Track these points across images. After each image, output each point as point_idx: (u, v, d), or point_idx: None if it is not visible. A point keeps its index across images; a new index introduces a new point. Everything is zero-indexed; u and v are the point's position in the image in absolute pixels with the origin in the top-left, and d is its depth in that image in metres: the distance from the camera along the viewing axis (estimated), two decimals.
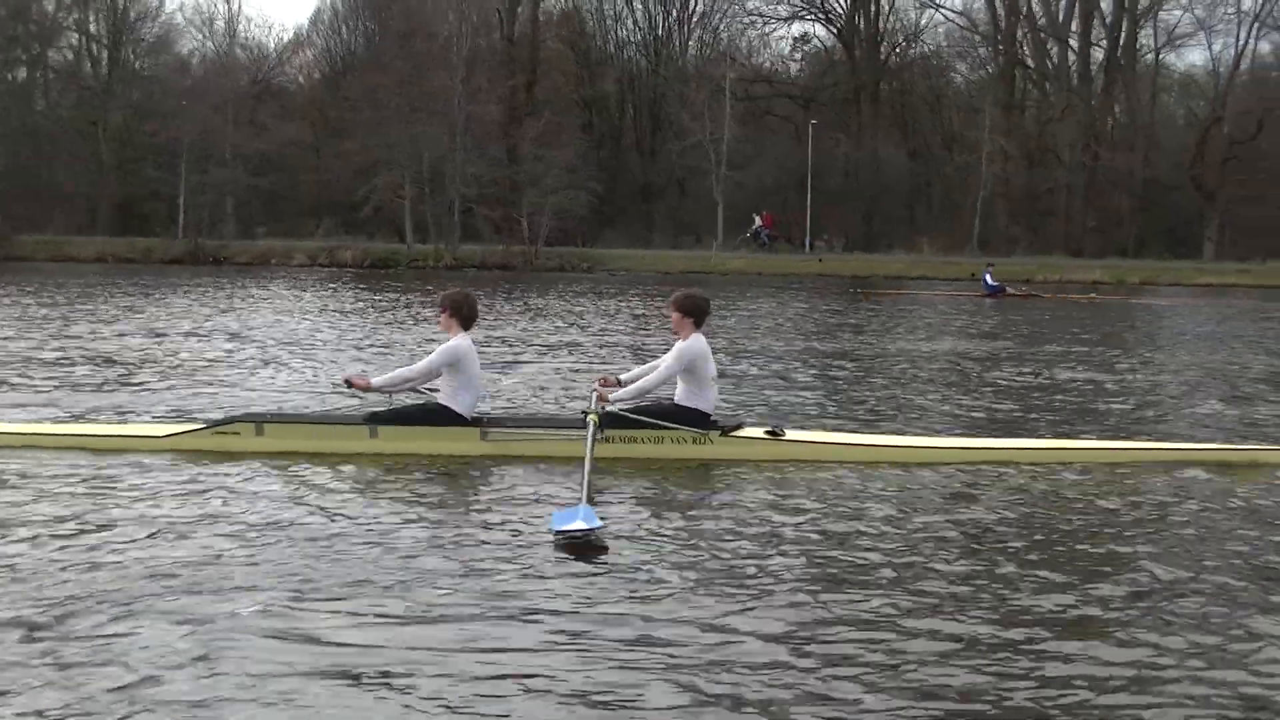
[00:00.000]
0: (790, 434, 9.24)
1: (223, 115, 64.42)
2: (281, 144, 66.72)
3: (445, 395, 9.07)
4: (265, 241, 62.60)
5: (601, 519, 6.84)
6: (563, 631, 5.28)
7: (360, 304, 29.34)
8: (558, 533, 6.65)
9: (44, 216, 62.74)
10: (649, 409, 9.18)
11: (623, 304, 31.41)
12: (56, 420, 10.39)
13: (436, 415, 9.08)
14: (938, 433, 10.65)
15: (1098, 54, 73.82)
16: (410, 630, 5.25)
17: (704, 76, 68.21)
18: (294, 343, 18.62)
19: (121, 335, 19.24)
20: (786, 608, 5.64)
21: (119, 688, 4.58)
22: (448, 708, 4.50)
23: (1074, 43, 73.77)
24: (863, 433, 10.29)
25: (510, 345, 18.97)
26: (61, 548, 6.37)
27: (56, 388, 12.82)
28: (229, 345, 17.95)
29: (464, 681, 4.72)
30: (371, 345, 18.69)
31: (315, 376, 14.14)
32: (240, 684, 4.63)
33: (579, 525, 6.65)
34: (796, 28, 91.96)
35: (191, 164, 63.24)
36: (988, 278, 40.50)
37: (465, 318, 9.21)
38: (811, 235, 67.64)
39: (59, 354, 16.13)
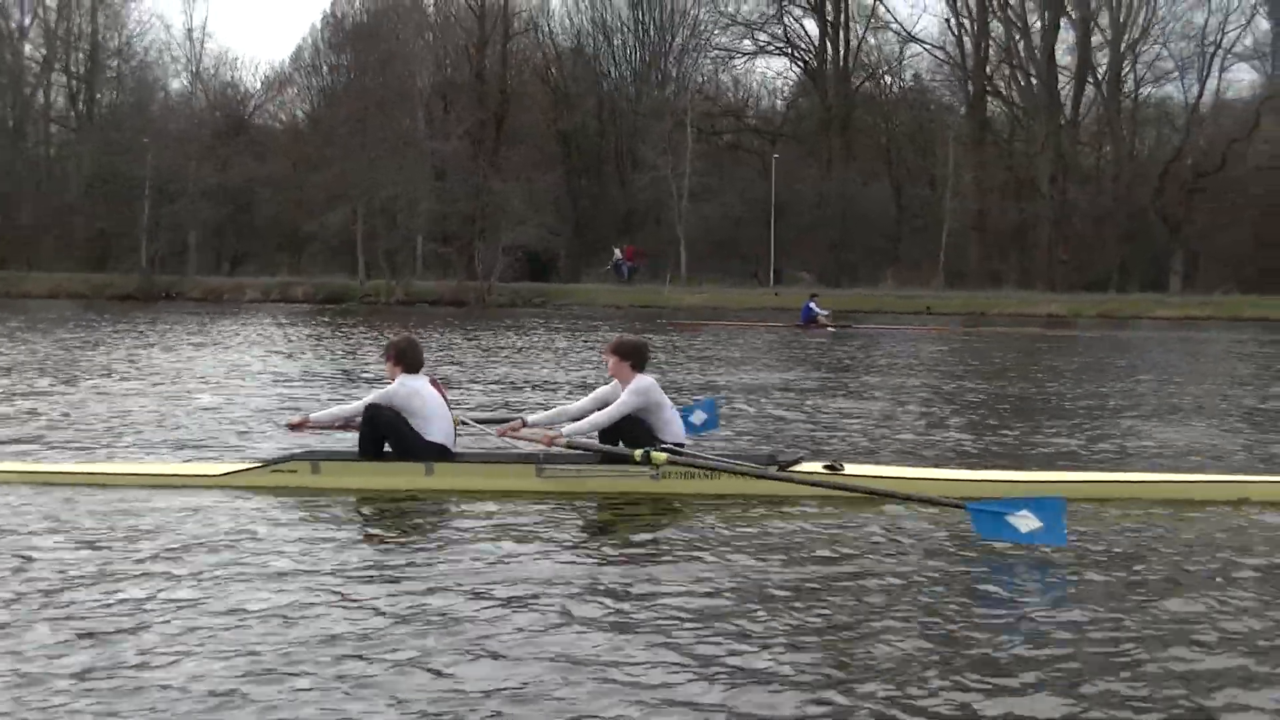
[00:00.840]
0: (850, 468, 8.97)
1: (185, 152, 64.66)
2: (251, 180, 66.98)
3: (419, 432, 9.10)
4: (217, 278, 62.68)
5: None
6: (609, 678, 5.06)
7: (319, 340, 29.30)
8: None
9: (13, 253, 63.18)
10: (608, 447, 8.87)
11: (549, 339, 31.16)
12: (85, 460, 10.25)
13: (491, 455, 9.24)
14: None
15: (1082, 89, 73.68)
16: (497, 672, 5.10)
17: (666, 110, 68.03)
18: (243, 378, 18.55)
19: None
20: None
21: None
22: None
23: (1040, 73, 73.39)
24: (922, 466, 10.05)
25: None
26: (123, 586, 6.30)
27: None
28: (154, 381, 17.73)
29: None
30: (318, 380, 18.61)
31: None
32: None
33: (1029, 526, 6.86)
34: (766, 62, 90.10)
35: (154, 200, 63.40)
36: (813, 306, 39.46)
37: (409, 363, 9.18)
38: (776, 268, 67.35)
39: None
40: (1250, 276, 67.16)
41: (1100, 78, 73.00)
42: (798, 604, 6.07)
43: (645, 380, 8.98)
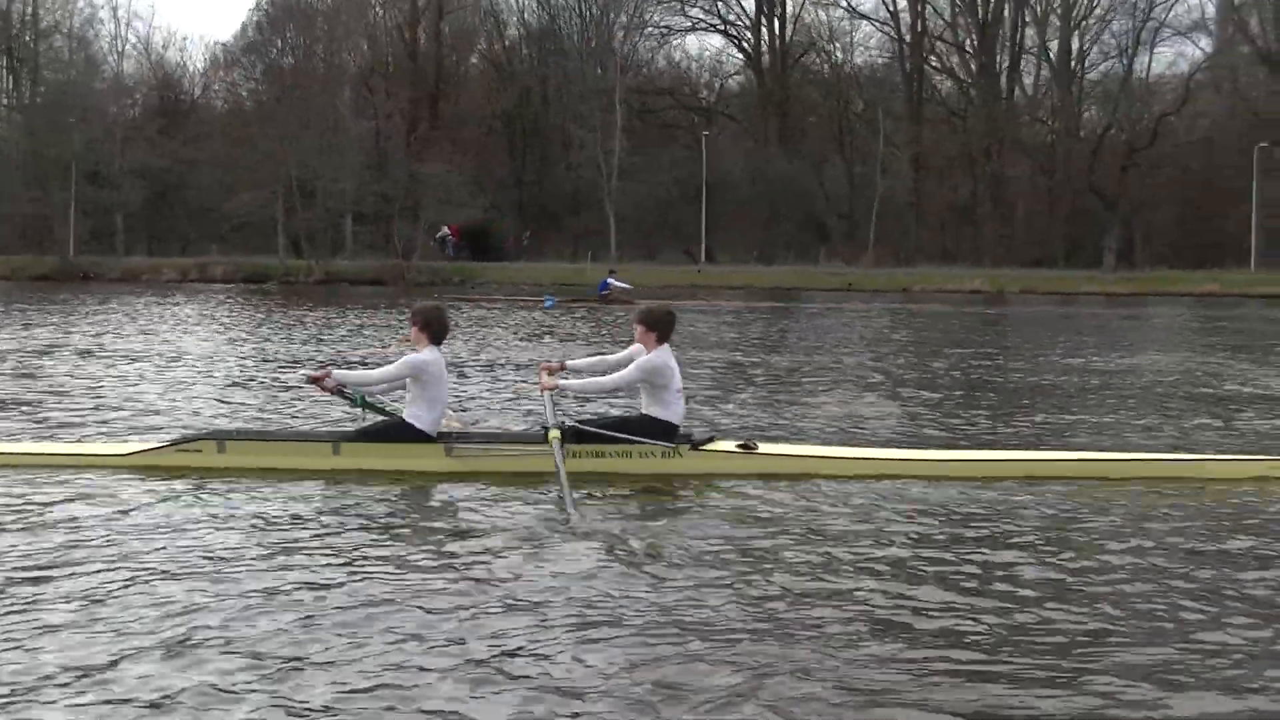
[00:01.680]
0: (764, 447, 8.96)
1: (112, 134, 64.23)
2: (182, 161, 66.54)
3: (410, 411, 8.85)
4: (136, 258, 62.30)
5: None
6: (518, 651, 5.13)
7: (245, 319, 29.06)
8: None
9: None
10: (615, 421, 8.96)
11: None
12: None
13: (400, 432, 8.84)
14: (912, 445, 10.26)
15: (1016, 63, 73.42)
16: (371, 650, 5.11)
17: (597, 89, 67.64)
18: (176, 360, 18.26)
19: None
20: (751, 631, 5.39)
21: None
22: None
23: (978, 48, 73.15)
24: (840, 445, 10.05)
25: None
26: (21, 567, 6.26)
27: None
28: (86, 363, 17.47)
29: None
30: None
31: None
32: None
33: None
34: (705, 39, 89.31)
35: (81, 182, 62.93)
36: (611, 280, 40.42)
37: (434, 333, 8.95)
38: (708, 246, 67.12)
39: None
40: (1182, 251, 67.24)
41: (1043, 53, 72.82)
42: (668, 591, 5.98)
43: (658, 360, 8.84)
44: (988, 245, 69.37)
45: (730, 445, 8.91)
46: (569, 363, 9.40)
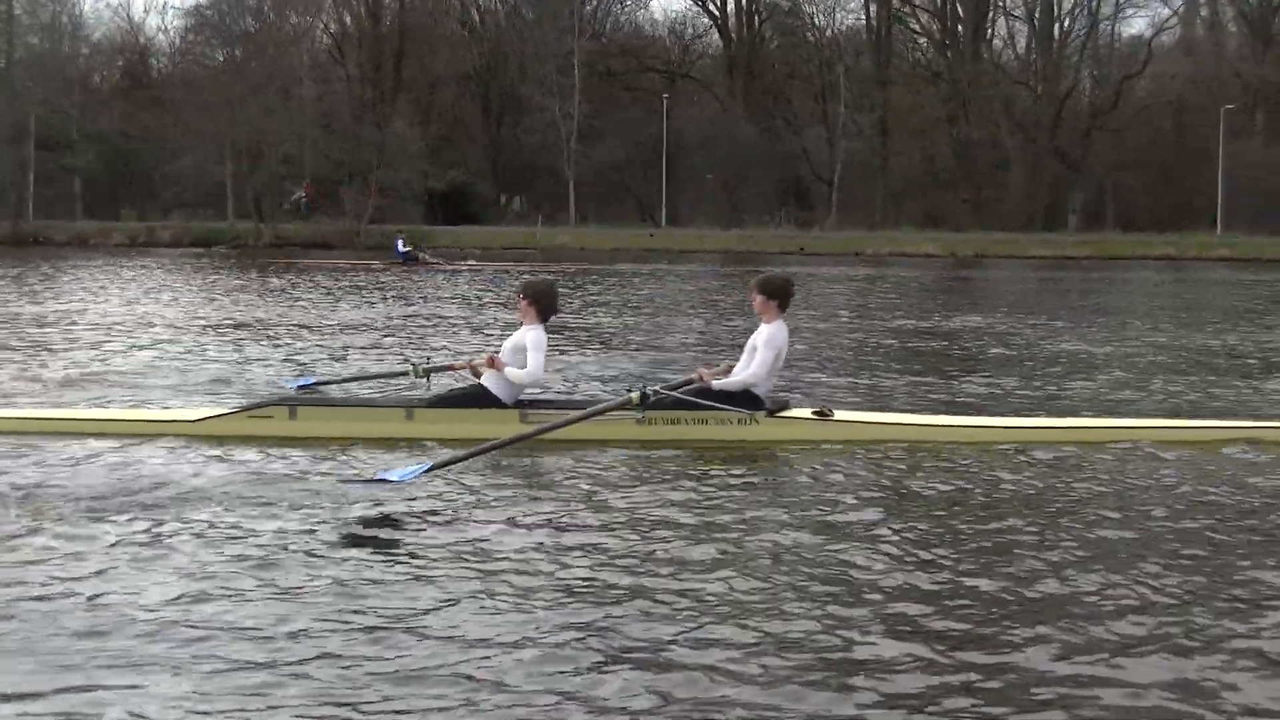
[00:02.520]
0: (840, 414, 8.81)
1: (70, 100, 64.06)
2: (145, 128, 66.27)
3: (491, 379, 8.70)
4: (84, 222, 62.17)
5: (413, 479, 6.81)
6: (586, 622, 4.93)
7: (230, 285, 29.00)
8: (371, 481, 6.84)
9: None
10: (699, 390, 8.62)
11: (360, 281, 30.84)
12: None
13: (477, 399, 8.73)
14: (992, 413, 10.07)
15: (981, 27, 72.68)
16: (448, 615, 4.99)
17: (556, 51, 67.08)
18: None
19: None
20: (825, 599, 5.23)
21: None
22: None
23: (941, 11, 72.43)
24: (915, 412, 9.87)
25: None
26: (100, 535, 6.13)
27: None
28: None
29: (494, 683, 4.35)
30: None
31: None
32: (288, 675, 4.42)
33: (389, 476, 6.72)
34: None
35: (39, 145, 62.75)
36: (399, 244, 41.11)
37: (544, 309, 8.83)
38: (669, 209, 66.79)
39: None
40: (1153, 215, 66.69)
41: (1028, 19, 72.10)
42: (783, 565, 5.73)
43: (781, 333, 8.65)
44: (956, 209, 68.97)
45: (806, 412, 8.76)
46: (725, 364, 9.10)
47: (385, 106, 71.38)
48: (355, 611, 4.98)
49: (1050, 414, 9.89)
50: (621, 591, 5.27)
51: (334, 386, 10.20)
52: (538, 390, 9.12)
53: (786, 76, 75.93)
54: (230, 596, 5.15)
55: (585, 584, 5.39)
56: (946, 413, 9.92)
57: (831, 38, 74.82)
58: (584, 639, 4.70)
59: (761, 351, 8.52)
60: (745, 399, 8.49)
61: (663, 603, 5.12)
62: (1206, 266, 49.96)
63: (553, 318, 8.95)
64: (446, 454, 7.45)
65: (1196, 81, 74.57)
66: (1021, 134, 68.21)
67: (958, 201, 69.13)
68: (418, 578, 5.46)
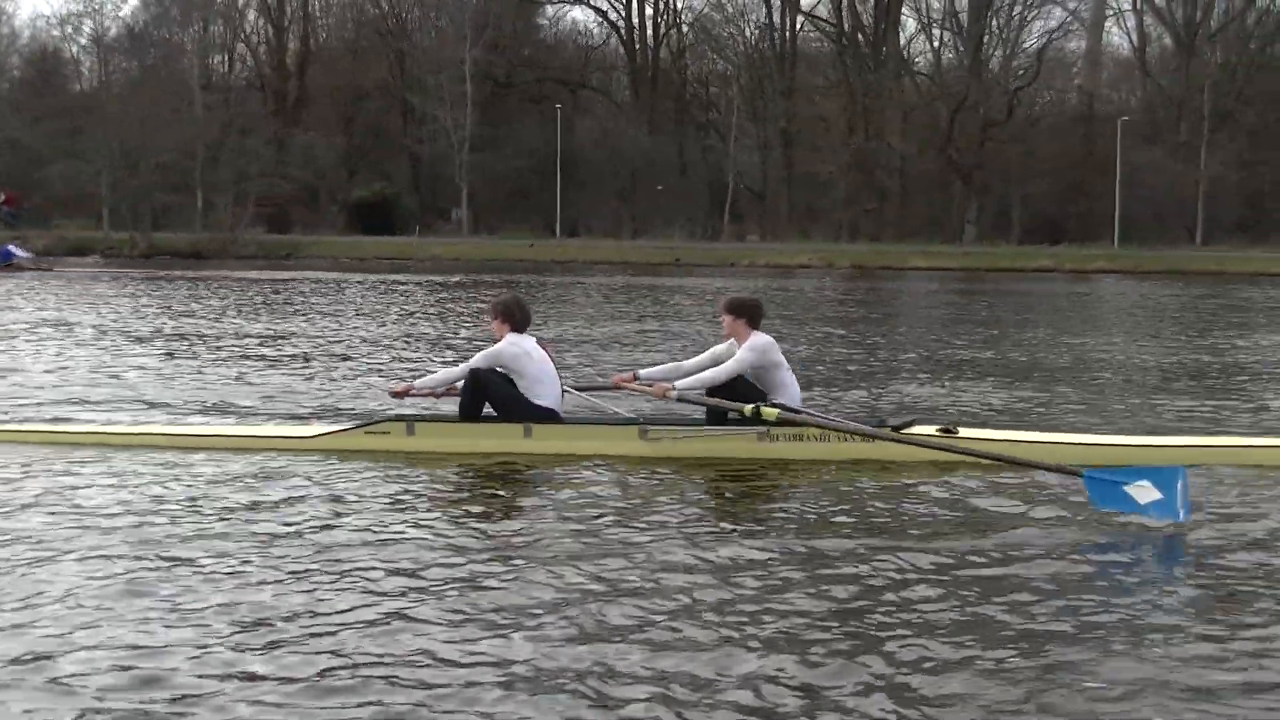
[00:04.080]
0: (966, 431, 8.64)
1: None
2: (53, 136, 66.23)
3: (527, 397, 8.76)
4: None
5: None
6: (701, 643, 4.90)
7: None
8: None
9: None
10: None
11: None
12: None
13: (596, 416, 8.93)
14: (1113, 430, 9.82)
15: (880, 34, 72.56)
16: (527, 636, 4.97)
17: (449, 60, 66.95)
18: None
19: None
20: (971, 620, 5.17)
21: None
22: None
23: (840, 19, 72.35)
24: (1045, 429, 9.75)
25: None
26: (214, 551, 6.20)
27: None
28: None
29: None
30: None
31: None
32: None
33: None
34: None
35: None
36: (12, 249, 41.36)
37: (517, 321, 8.87)
38: (563, 220, 66.65)
39: None
40: (1061, 226, 66.66)
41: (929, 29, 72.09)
42: (918, 582, 5.67)
43: (763, 338, 8.65)
44: (860, 220, 68.92)
45: (931, 430, 8.53)
46: (642, 372, 9.02)
47: (286, 116, 71.44)
48: (493, 634, 4.97)
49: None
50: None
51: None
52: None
53: (689, 86, 75.75)
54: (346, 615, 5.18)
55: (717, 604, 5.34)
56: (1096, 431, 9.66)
57: (735, 48, 74.83)
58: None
59: (742, 353, 8.54)
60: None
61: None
62: (1075, 278, 49.86)
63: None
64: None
65: (1110, 93, 75.23)
66: (917, 145, 68.07)
67: (862, 212, 69.03)
68: (549, 590, 5.49)
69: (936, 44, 72.40)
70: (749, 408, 8.10)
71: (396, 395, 9.10)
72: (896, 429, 8.34)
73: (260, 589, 5.52)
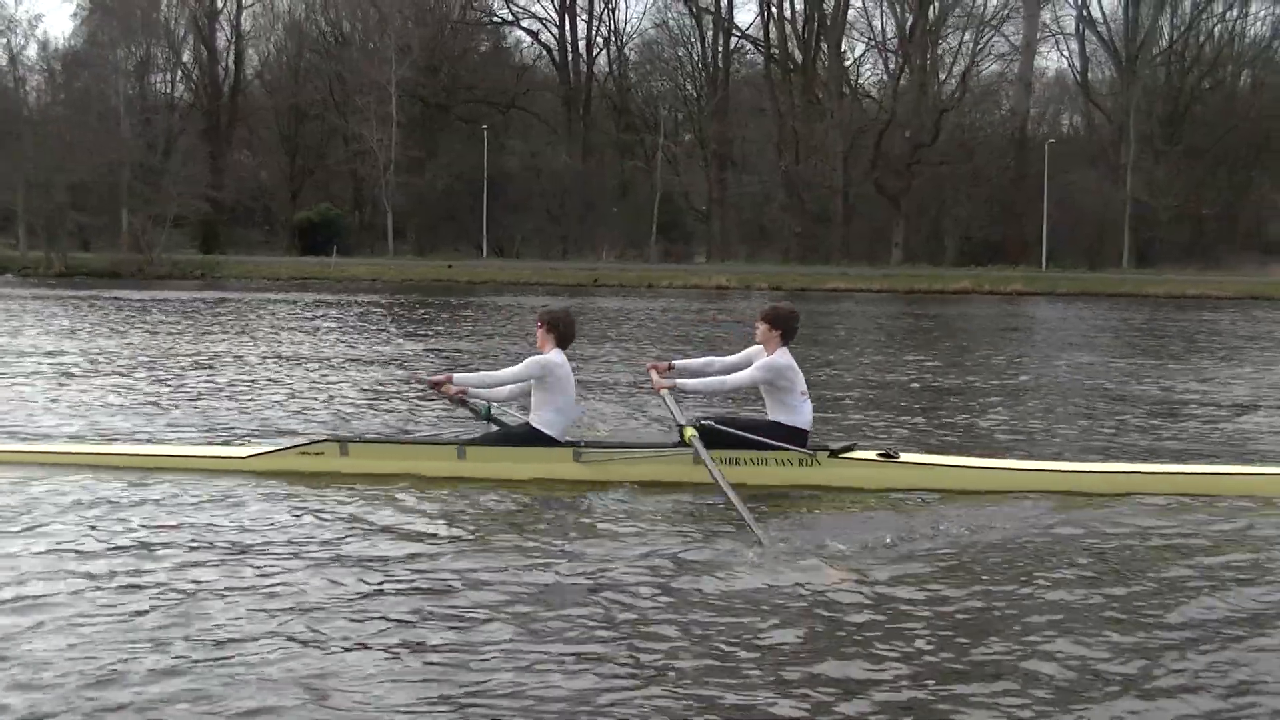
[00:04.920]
0: (906, 457, 8.54)
1: None
2: None
3: (537, 416, 8.55)
4: None
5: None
6: (643, 666, 5.03)
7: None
8: None
9: None
10: (747, 424, 8.44)
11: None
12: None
13: (527, 438, 8.55)
14: (1070, 457, 9.82)
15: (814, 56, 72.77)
16: (502, 659, 5.07)
17: (376, 81, 66.95)
18: None
19: None
20: (898, 657, 5.17)
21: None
22: None
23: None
24: (988, 456, 9.47)
25: None
26: (148, 571, 6.23)
27: None
28: None
29: None
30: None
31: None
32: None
33: None
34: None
35: None
36: None
37: (561, 335, 8.66)
38: (489, 240, 66.65)
39: None
40: (995, 248, 66.93)
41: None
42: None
43: (781, 360, 8.40)
44: (789, 242, 69.11)
45: (871, 454, 8.46)
46: (678, 363, 8.91)
47: (219, 136, 71.39)
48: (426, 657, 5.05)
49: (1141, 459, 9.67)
50: (687, 639, 5.30)
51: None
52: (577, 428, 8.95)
53: (625, 107, 75.91)
54: (271, 638, 5.23)
55: (645, 631, 5.40)
56: (1018, 456, 9.63)
57: (669, 69, 75.10)
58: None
59: (750, 371, 8.39)
60: (796, 436, 8.28)
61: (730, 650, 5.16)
62: (996, 300, 49.95)
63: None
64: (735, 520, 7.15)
65: (1045, 114, 75.63)
66: (845, 167, 68.23)
67: (793, 235, 69.19)
68: (479, 616, 5.52)
69: (866, 67, 72.45)
70: (679, 426, 8.06)
71: (434, 386, 8.90)
72: (834, 452, 8.29)
73: (179, 611, 5.55)
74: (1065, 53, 78.57)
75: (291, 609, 5.58)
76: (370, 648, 5.13)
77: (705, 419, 8.28)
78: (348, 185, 73.83)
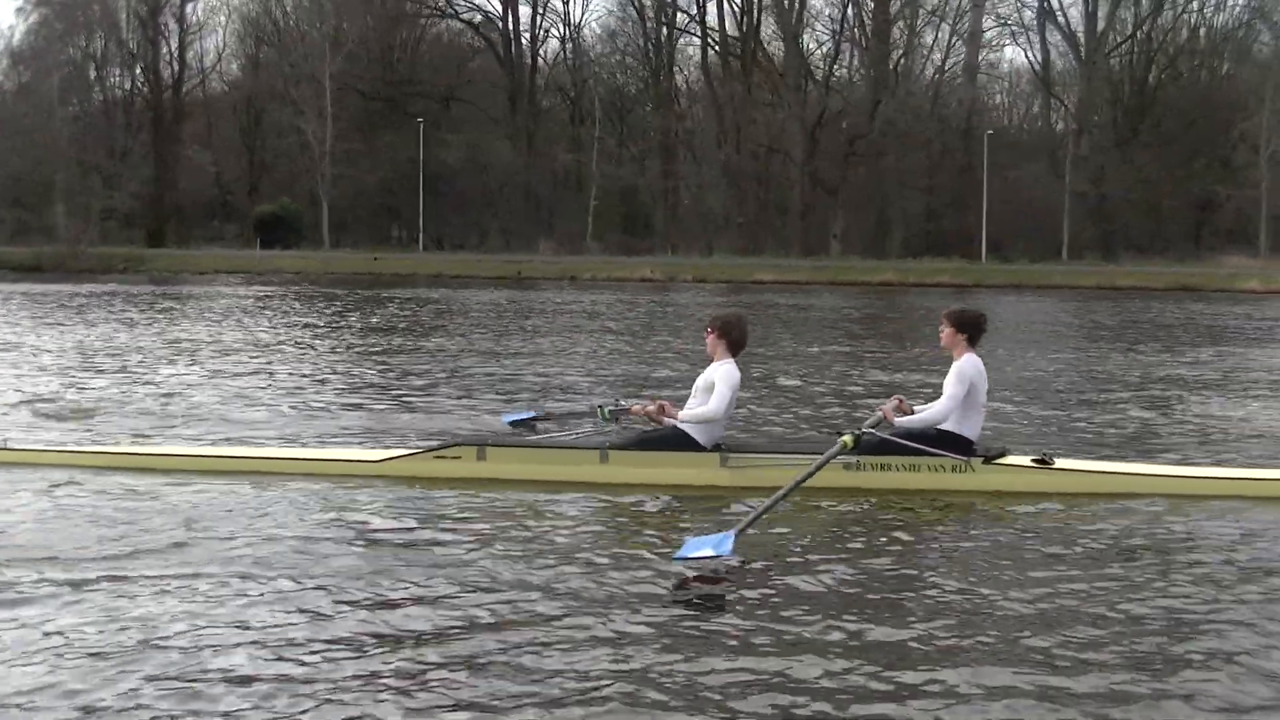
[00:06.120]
0: (1062, 462, 8.31)
1: None
2: None
3: (692, 428, 8.33)
4: None
5: (735, 553, 6.27)
6: (784, 674, 4.89)
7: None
8: (680, 559, 6.20)
9: None
10: (907, 433, 8.20)
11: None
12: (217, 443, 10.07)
13: (673, 441, 8.30)
14: (1228, 462, 9.49)
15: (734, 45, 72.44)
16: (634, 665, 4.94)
17: (306, 75, 66.76)
18: None
19: None
20: (1060, 671, 4.95)
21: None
22: None
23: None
24: (1147, 461, 9.30)
25: None
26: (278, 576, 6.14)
27: None
28: None
29: None
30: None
31: None
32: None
33: (705, 552, 6.16)
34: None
35: None
36: None
37: (734, 341, 8.43)
38: (425, 233, 66.46)
39: None
40: (922, 239, 66.62)
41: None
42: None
43: (967, 366, 8.17)
44: (728, 233, 68.87)
45: (1025, 459, 8.26)
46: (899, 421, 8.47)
47: (165, 131, 71.31)
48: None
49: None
50: (841, 644, 5.18)
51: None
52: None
53: (566, 98, 75.69)
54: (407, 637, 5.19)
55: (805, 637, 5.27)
56: (1183, 462, 9.32)
57: (610, 61, 74.84)
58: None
59: (949, 386, 8.11)
60: (954, 443, 8.06)
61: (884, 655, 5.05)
62: (911, 291, 49.68)
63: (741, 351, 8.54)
64: (744, 514, 6.94)
65: (992, 104, 75.32)
66: (783, 159, 67.93)
67: (732, 225, 68.92)
68: (640, 634, 5.31)
69: (810, 58, 71.97)
70: (848, 436, 7.75)
71: (643, 414, 8.54)
72: (988, 458, 8.10)
73: (328, 617, 5.45)
74: (1025, 46, 77.68)
75: (431, 622, 5.40)
76: (522, 667, 4.91)
77: (869, 431, 8.01)
78: (305, 179, 73.69)
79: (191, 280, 49.35)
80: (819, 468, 7.38)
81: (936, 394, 8.47)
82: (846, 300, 41.89)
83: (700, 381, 8.33)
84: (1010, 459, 8.21)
